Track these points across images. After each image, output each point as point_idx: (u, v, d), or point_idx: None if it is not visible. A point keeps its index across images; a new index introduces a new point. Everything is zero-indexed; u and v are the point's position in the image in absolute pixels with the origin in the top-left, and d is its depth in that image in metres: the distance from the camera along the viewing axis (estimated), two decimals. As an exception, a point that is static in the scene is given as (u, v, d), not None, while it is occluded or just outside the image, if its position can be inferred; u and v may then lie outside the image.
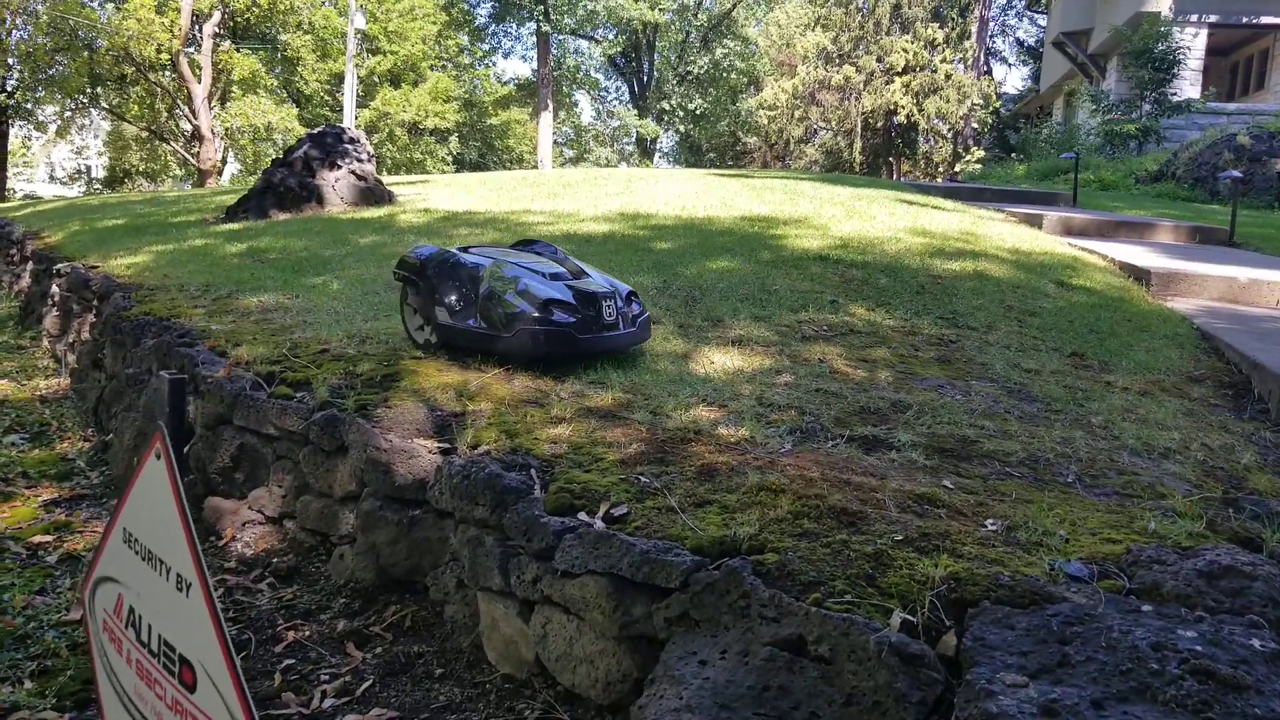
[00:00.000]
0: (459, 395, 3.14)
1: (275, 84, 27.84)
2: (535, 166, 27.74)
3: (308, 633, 2.72)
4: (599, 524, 2.31)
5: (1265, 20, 19.58)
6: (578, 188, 9.46)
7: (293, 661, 2.58)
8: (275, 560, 3.17)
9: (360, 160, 7.85)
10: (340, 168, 7.74)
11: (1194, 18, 19.43)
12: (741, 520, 2.23)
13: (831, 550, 2.09)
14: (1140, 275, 6.38)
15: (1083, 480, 2.75)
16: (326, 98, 27.37)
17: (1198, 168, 13.69)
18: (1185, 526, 2.39)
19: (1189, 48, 18.98)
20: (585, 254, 5.61)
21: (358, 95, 23.95)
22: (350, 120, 19.35)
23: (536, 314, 3.34)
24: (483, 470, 2.56)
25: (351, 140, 7.89)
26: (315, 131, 8.06)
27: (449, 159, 29.07)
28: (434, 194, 8.80)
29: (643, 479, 2.51)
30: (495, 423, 2.89)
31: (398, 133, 27.17)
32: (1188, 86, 19.14)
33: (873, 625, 1.84)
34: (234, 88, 26.00)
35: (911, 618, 1.87)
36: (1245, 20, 19.75)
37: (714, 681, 1.89)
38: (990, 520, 2.37)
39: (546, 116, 28.38)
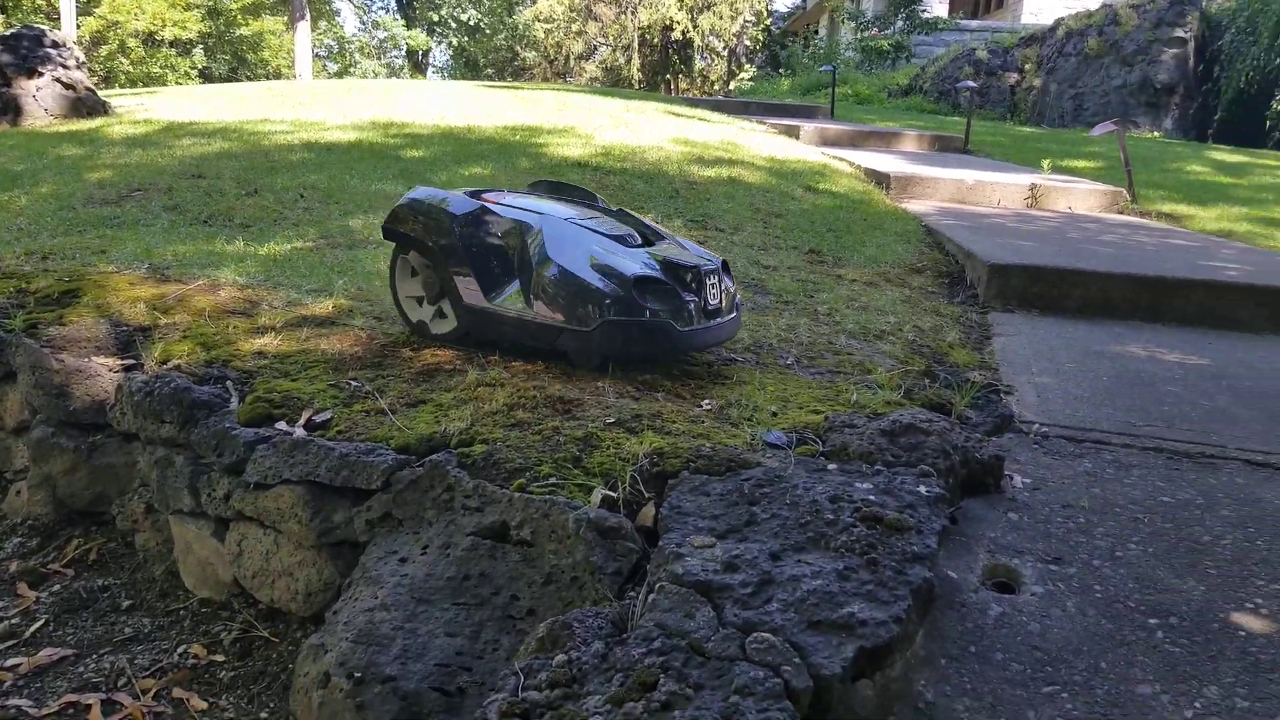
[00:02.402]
0: (151, 309, 2.84)
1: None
2: (294, 80, 25.87)
3: (-28, 578, 2.43)
4: (299, 432, 2.15)
5: (1001, -58, 21.02)
6: (329, 98, 8.86)
7: (-50, 611, 2.29)
8: (-61, 504, 2.79)
9: (67, 67, 6.94)
10: (42, 75, 6.80)
11: (940, -62, 20.57)
12: (454, 416, 2.14)
13: (542, 437, 2.05)
14: (881, 180, 6.76)
15: (800, 362, 2.85)
16: (40, 3, 24.13)
17: (942, 81, 14.64)
18: (884, 396, 2.53)
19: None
20: (325, 163, 5.27)
21: (79, 1, 21.31)
22: (71, 29, 17.16)
23: (625, 299, 2.39)
24: (168, 385, 2.33)
25: (55, 44, 6.94)
26: (7, 34, 7.02)
27: (193, 73, 26.50)
28: (160, 105, 7.98)
29: (354, 383, 2.37)
30: (191, 335, 2.64)
31: (131, 44, 24.37)
32: (937, 4, 20.34)
33: (574, 504, 1.81)
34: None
35: (613, 493, 1.86)
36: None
37: (412, 577, 1.81)
38: (707, 401, 2.41)
39: (303, 26, 26.37)
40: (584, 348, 2.46)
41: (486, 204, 2.62)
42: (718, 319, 2.57)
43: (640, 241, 2.68)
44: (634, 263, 2.49)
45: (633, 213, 2.84)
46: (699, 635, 1.47)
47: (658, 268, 2.51)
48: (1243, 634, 1.65)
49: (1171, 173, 8.43)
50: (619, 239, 2.61)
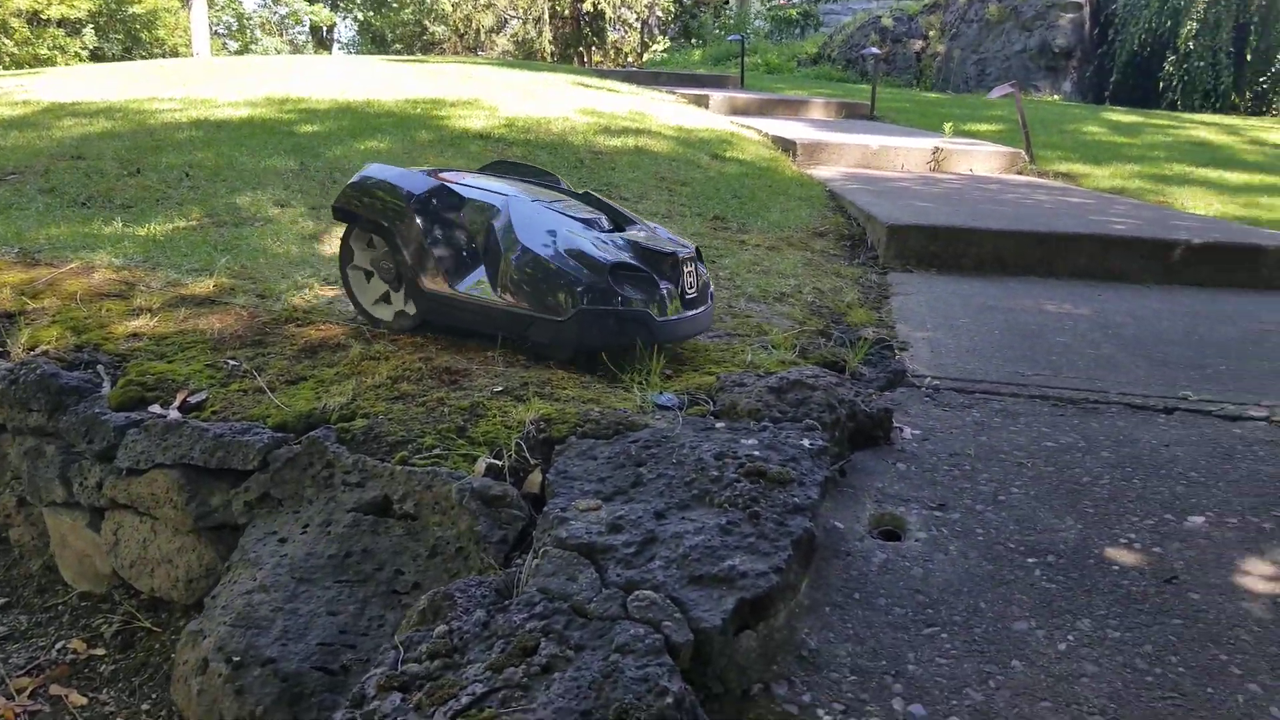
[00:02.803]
0: (19, 294, 2.69)
1: None
2: (190, 59, 24.77)
3: None
4: (173, 414, 2.07)
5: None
6: (223, 75, 8.53)
7: None
8: None
9: (-66, 44, 6.54)
10: (-93, 53, 6.41)
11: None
12: (335, 391, 2.09)
13: (426, 409, 2.00)
14: (788, 147, 6.80)
15: (698, 324, 2.84)
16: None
17: (849, 49, 14.78)
18: (779, 356, 2.55)
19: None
20: (214, 140, 5.07)
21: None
22: (-55, 7, 16.14)
23: (602, 287, 2.25)
24: (34, 371, 2.22)
25: (-81, 20, 6.54)
26: None
27: (84, 54, 25.22)
28: (43, 86, 7.58)
29: (232, 362, 2.28)
30: (61, 320, 2.52)
31: (14, 24, 23.07)
32: (843, -26, 20.48)
33: (457, 475, 1.78)
34: None
35: (498, 462, 1.83)
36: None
37: (293, 557, 1.76)
38: (600, 368, 2.39)
39: (199, 3, 25.26)
40: (557, 339, 2.30)
41: (447, 183, 2.46)
42: (694, 309, 2.44)
43: (610, 226, 2.54)
44: (609, 249, 2.35)
45: (599, 195, 2.72)
46: (581, 597, 1.46)
47: (634, 254, 2.38)
48: (1116, 568, 1.70)
49: (1069, 134, 8.66)
50: (588, 223, 2.46)
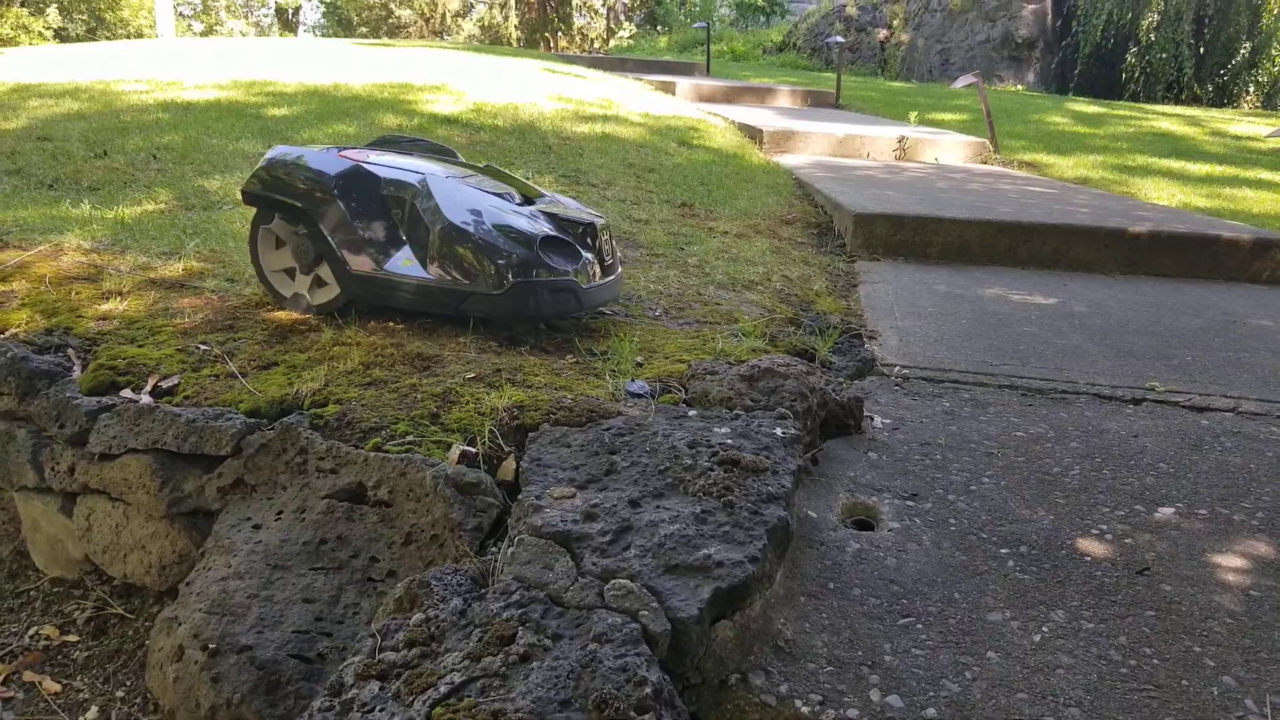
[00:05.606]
0: (-16, 277, 2.65)
1: None
2: (155, 40, 24.21)
3: None
4: (145, 399, 2.05)
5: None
6: (190, 56, 8.39)
7: None
8: None
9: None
10: None
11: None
12: (307, 377, 2.08)
13: (399, 395, 2.00)
14: (755, 135, 6.83)
15: (669, 313, 2.86)
16: None
17: (815, 38, 14.83)
18: (749, 344, 2.56)
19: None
20: (181, 122, 4.99)
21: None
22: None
23: (534, 259, 2.33)
24: (4, 354, 2.18)
25: None
26: None
27: (48, 34, 24.65)
28: (6, 65, 7.36)
29: (203, 347, 2.26)
30: (31, 303, 2.48)
31: (-23, 4, 22.47)
32: (809, -38, 20.50)
33: (431, 461, 1.78)
34: None
35: (472, 449, 1.83)
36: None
37: (267, 544, 1.76)
38: (571, 355, 2.40)
39: (163, -17, 24.77)
40: (493, 311, 2.37)
41: (360, 163, 2.46)
42: (610, 275, 2.56)
43: (521, 200, 2.59)
44: (534, 222, 2.44)
45: (501, 168, 2.77)
46: (558, 586, 1.47)
47: (554, 226, 2.48)
48: (1088, 559, 1.72)
49: (1033, 124, 8.77)
50: (502, 197, 2.52)
